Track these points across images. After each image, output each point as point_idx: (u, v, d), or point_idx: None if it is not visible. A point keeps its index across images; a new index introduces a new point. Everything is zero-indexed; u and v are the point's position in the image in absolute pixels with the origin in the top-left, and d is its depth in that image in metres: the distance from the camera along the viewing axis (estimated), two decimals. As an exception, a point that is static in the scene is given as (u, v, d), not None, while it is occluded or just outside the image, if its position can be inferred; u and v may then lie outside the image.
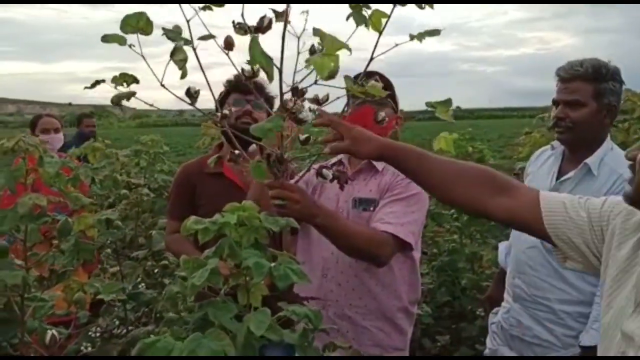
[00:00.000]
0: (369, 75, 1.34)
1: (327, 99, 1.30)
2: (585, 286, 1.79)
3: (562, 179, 1.86)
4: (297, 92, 1.27)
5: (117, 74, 1.21)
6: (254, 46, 1.18)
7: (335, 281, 1.86)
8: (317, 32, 1.16)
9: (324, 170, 1.39)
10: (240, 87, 2.02)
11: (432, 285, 3.57)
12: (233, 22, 1.22)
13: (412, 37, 1.21)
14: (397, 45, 1.22)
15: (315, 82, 1.22)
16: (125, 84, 1.21)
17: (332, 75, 1.16)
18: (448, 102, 1.29)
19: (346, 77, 1.22)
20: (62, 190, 1.40)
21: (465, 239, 3.78)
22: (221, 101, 2.15)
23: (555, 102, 1.87)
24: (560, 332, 1.83)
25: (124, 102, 1.24)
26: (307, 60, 1.15)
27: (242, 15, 1.22)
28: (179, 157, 13.97)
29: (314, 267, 1.86)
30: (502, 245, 2.24)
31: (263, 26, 1.21)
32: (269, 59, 1.20)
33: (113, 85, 1.21)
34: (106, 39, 1.18)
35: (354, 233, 1.70)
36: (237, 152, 1.40)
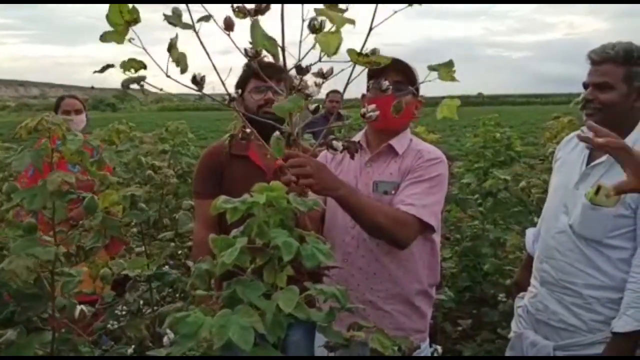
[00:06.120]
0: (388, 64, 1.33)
1: (331, 73, 1.31)
2: (615, 272, 1.77)
3: (593, 164, 1.83)
4: (302, 70, 1.28)
5: (138, 58, 1.21)
6: (255, 29, 1.19)
7: (356, 266, 1.86)
8: (320, 11, 1.16)
9: (334, 142, 1.39)
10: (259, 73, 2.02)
11: (454, 270, 3.57)
12: (232, 5, 1.22)
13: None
14: (395, 12, 1.21)
15: (320, 60, 1.23)
16: (133, 70, 1.21)
17: (335, 52, 1.18)
18: (450, 63, 1.27)
19: (350, 50, 1.22)
20: (88, 169, 1.41)
21: (489, 225, 3.77)
22: (240, 86, 2.14)
23: (586, 85, 1.85)
24: (587, 317, 1.81)
25: (147, 86, 1.24)
26: (315, 38, 1.17)
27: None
28: (201, 141, 14.10)
29: (335, 252, 1.86)
30: (530, 232, 2.22)
31: (262, 8, 1.22)
32: (272, 40, 1.20)
33: (122, 70, 1.21)
34: (104, 38, 1.17)
35: (377, 210, 1.69)
36: (248, 130, 1.42)
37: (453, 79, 1.29)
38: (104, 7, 1.15)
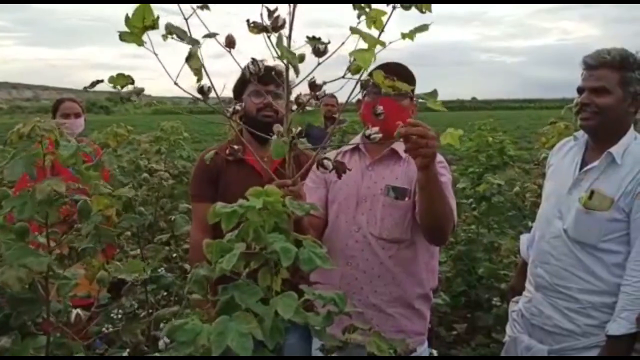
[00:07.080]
0: (388, 66, 1.36)
1: (324, 94, 1.33)
2: (609, 277, 1.78)
3: (586, 168, 1.85)
4: (315, 87, 1.30)
5: (132, 61, 1.23)
6: (281, 43, 1.22)
7: (360, 269, 1.87)
8: (355, 30, 1.19)
9: (325, 161, 1.42)
10: (259, 77, 2.02)
11: (449, 274, 3.58)
12: (247, 20, 1.25)
13: (403, 36, 1.24)
14: (390, 42, 1.24)
15: (343, 77, 1.25)
16: (119, 87, 1.23)
17: (359, 70, 1.22)
18: (434, 93, 1.35)
19: (376, 71, 1.25)
20: (82, 173, 1.40)
21: (483, 229, 3.78)
22: (238, 90, 2.14)
23: (580, 90, 1.86)
24: (582, 322, 1.82)
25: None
26: (350, 53, 1.20)
27: (261, 15, 1.24)
28: (195, 143, 14.07)
29: (337, 256, 1.87)
30: (524, 237, 2.23)
31: (278, 25, 1.24)
32: (294, 55, 1.22)
33: (111, 86, 1.22)
34: (124, 38, 1.18)
35: (448, 200, 1.71)
36: (236, 147, 1.44)
37: (441, 108, 1.36)
38: (99, 10, 1.16)
